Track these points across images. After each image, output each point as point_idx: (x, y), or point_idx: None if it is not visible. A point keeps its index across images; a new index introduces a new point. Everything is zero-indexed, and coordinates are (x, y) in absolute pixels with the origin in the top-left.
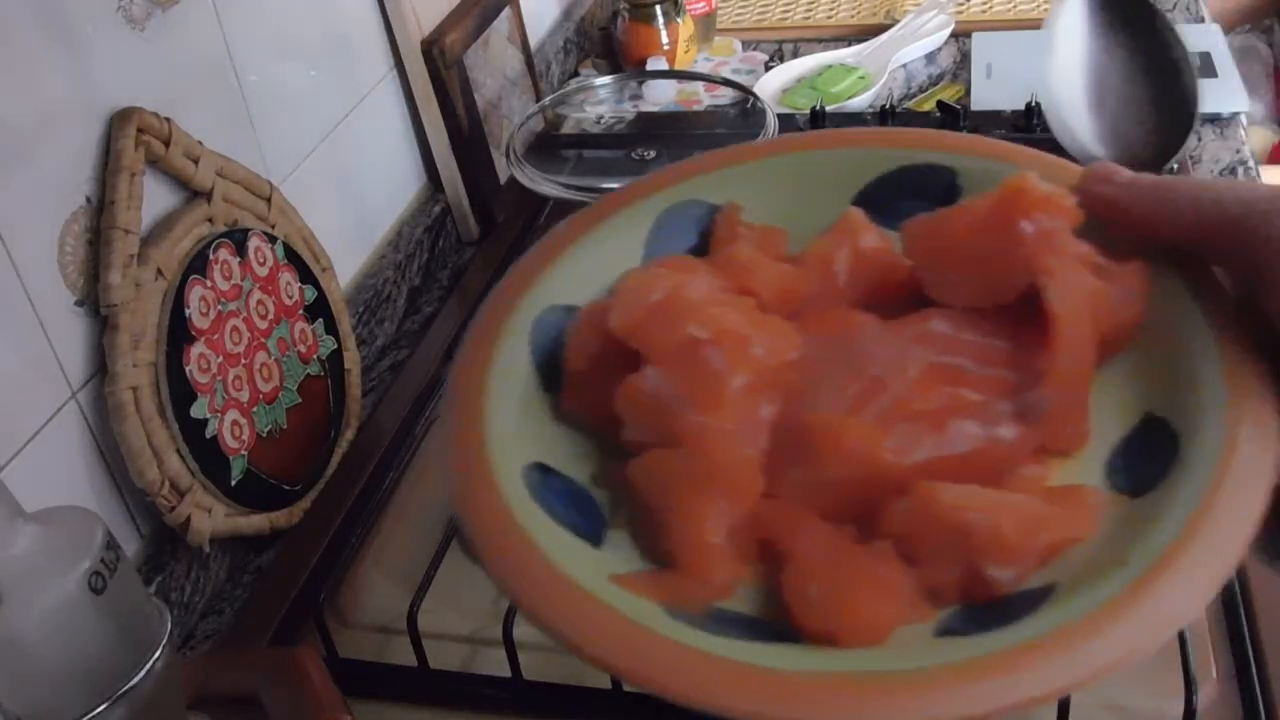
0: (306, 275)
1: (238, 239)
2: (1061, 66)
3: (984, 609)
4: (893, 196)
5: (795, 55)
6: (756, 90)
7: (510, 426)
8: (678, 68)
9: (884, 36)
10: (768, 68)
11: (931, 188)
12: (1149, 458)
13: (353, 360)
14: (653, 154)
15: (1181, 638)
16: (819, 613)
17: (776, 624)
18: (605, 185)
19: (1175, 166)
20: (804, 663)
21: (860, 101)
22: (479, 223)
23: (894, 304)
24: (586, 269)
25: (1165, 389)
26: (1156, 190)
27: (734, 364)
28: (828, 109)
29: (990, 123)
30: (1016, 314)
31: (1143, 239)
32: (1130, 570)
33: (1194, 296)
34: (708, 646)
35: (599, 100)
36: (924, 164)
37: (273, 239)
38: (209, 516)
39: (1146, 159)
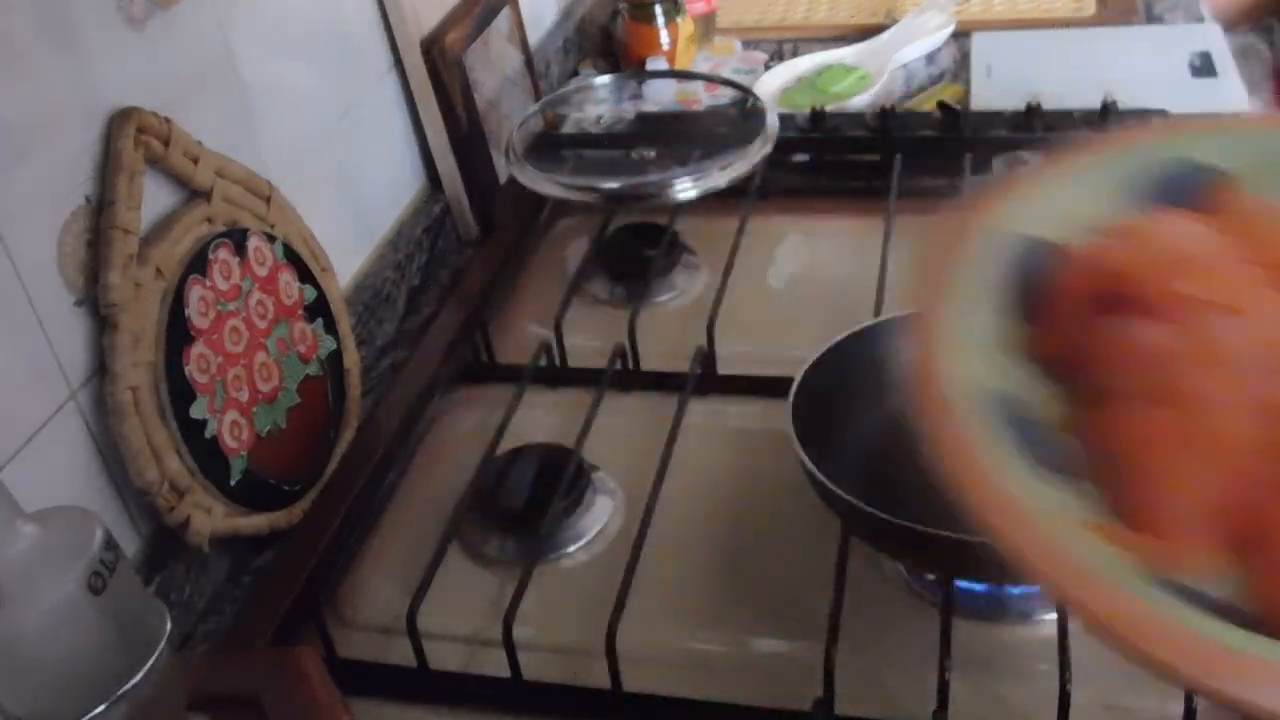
0: (306, 275)
1: (237, 239)
2: None
3: None
4: None
5: (795, 55)
6: (756, 90)
7: (974, 359)
8: (677, 68)
9: (884, 36)
10: (767, 67)
11: None
12: None
13: (352, 360)
14: (652, 154)
15: None
16: None
17: (1237, 612)
18: (605, 185)
19: None
20: None
21: (860, 101)
22: (479, 223)
23: None
24: (1059, 205)
25: None
26: None
27: (1242, 335)
28: (827, 109)
29: (990, 123)
30: None
31: None
32: None
33: None
34: (1201, 628)
35: (599, 100)
36: None
37: (272, 239)
38: (209, 516)
39: None
